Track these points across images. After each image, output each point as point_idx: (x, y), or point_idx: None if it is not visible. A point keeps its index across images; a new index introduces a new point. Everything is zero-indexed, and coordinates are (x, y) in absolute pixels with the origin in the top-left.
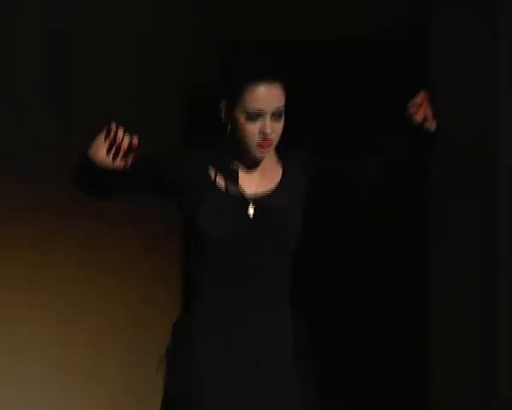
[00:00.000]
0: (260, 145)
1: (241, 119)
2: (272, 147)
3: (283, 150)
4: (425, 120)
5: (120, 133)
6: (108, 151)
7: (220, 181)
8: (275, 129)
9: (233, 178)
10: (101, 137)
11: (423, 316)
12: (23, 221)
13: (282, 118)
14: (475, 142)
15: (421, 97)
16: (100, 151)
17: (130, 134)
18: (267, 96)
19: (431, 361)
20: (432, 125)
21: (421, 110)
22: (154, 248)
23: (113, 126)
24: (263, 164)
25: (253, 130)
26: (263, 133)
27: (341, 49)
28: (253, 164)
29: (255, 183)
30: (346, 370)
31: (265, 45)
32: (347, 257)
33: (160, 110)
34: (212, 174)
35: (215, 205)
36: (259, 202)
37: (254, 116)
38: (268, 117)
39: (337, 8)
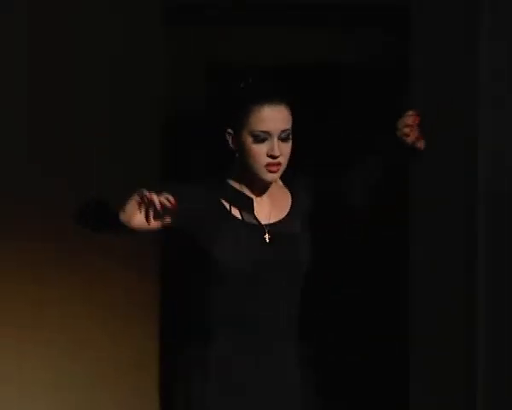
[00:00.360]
0: (269, 167)
1: (248, 141)
2: (281, 170)
3: (289, 175)
4: (417, 140)
5: (155, 198)
6: (147, 216)
7: (235, 210)
8: (283, 151)
9: (248, 207)
10: (134, 204)
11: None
12: (26, 257)
13: (290, 140)
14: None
15: (412, 118)
16: (136, 217)
17: (161, 194)
18: (273, 117)
19: (416, 362)
20: (422, 145)
21: (413, 131)
22: (160, 286)
23: (146, 193)
24: (271, 190)
25: (260, 151)
26: (271, 155)
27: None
28: (262, 190)
29: (267, 210)
30: (346, 370)
31: (253, 71)
32: (337, 260)
33: (138, 142)
34: (226, 204)
35: (232, 234)
36: (274, 229)
37: (261, 138)
38: (275, 139)
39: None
